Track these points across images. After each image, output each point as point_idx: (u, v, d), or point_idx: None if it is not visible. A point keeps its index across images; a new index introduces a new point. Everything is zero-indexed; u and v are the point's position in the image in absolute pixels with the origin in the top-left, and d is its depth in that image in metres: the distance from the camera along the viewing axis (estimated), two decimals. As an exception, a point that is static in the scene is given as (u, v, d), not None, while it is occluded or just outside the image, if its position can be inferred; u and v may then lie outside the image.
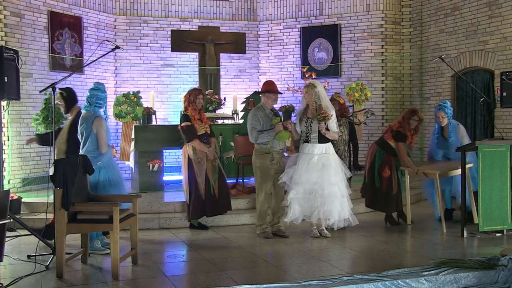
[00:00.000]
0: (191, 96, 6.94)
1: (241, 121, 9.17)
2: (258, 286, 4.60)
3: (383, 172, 7.06)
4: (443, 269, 5.02)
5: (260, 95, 6.65)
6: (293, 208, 6.39)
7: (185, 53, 10.58)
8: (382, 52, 10.47)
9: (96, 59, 6.68)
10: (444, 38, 9.53)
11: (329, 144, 6.46)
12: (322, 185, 6.28)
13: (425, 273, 4.95)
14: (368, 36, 10.56)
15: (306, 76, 10.14)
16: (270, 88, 6.48)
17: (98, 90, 5.96)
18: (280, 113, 7.19)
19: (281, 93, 6.70)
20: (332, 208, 6.32)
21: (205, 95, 7.16)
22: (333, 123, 6.38)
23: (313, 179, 6.28)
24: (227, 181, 7.46)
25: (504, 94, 7.64)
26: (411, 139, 7.19)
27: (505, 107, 7.71)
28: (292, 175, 6.35)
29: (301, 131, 6.42)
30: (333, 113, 6.41)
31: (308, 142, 6.38)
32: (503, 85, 7.63)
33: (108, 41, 7.58)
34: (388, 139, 7.15)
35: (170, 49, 10.30)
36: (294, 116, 9.71)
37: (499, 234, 6.57)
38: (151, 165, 8.45)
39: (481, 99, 7.94)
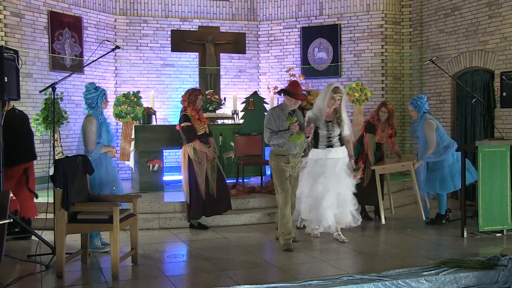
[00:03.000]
0: (192, 96, 6.95)
1: (241, 121, 9.18)
2: (258, 286, 4.60)
3: (357, 165, 7.09)
4: (443, 269, 5.02)
5: (282, 94, 6.22)
6: (326, 216, 6.21)
7: (185, 53, 10.58)
8: (382, 52, 10.47)
9: (96, 59, 6.68)
10: (444, 38, 9.53)
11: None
12: (344, 189, 6.24)
13: (425, 273, 4.95)
14: (368, 36, 10.56)
15: (290, 77, 10.08)
16: (292, 90, 6.02)
17: (86, 92, 5.99)
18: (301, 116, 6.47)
19: (303, 99, 6.37)
20: (348, 209, 6.33)
21: (204, 95, 7.16)
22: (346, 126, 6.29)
23: (341, 184, 6.19)
24: (227, 181, 7.47)
25: (504, 94, 7.63)
26: (388, 133, 7.44)
27: (505, 107, 7.71)
28: (323, 183, 6.16)
29: (321, 136, 6.19)
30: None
31: (332, 147, 6.19)
32: (503, 85, 7.62)
33: (108, 41, 7.59)
34: (362, 132, 7.50)
35: (170, 49, 10.30)
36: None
37: (499, 234, 6.57)
38: (151, 165, 8.45)
39: (473, 100, 7.93)
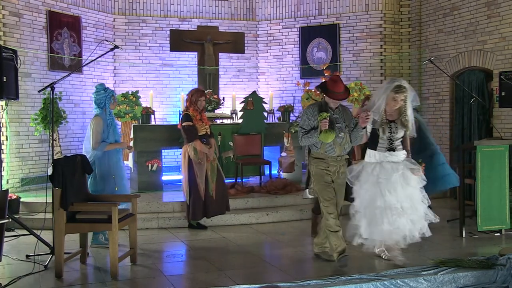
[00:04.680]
0: (193, 97, 6.96)
1: (240, 120, 9.18)
2: (257, 285, 4.60)
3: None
4: (442, 269, 5.02)
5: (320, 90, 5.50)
6: (382, 231, 5.25)
7: (184, 52, 10.57)
8: (381, 52, 10.47)
9: (95, 59, 6.68)
10: (443, 38, 9.53)
11: None
12: (412, 190, 5.34)
13: (424, 272, 4.96)
14: (367, 36, 10.56)
15: (305, 87, 9.90)
16: (330, 87, 5.18)
17: (95, 93, 6.11)
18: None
19: (341, 99, 5.26)
20: (420, 213, 5.38)
21: (206, 96, 7.15)
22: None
23: (408, 186, 5.30)
24: (226, 181, 7.47)
25: (503, 94, 7.65)
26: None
27: (503, 107, 7.72)
28: (387, 190, 5.21)
29: (381, 137, 5.27)
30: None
31: (394, 150, 5.28)
32: (502, 85, 7.64)
33: (107, 40, 7.58)
34: None
35: (169, 48, 10.30)
36: (295, 117, 9.70)
37: (498, 234, 6.58)
38: (150, 165, 8.44)
39: (472, 99, 7.94)
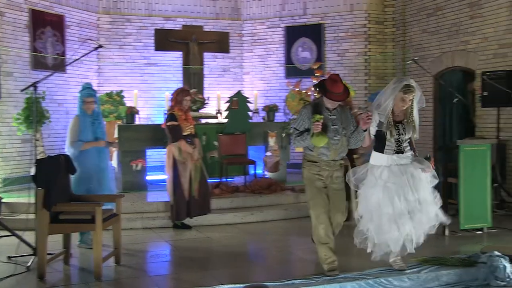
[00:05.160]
0: (178, 97, 6.94)
1: (225, 120, 9.17)
2: (242, 285, 4.60)
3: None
4: (425, 267, 5.06)
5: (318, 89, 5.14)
6: (390, 238, 4.88)
7: (168, 52, 10.53)
8: (366, 52, 10.52)
9: (79, 58, 6.62)
10: (427, 38, 9.61)
11: None
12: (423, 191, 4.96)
13: (408, 271, 4.99)
14: (352, 35, 10.61)
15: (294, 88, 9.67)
16: (328, 87, 4.84)
17: (79, 92, 6.09)
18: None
19: (340, 100, 4.92)
20: (431, 214, 5.00)
21: (192, 96, 7.13)
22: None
23: (420, 187, 4.94)
24: (211, 180, 7.47)
25: (485, 94, 7.74)
26: None
27: (486, 107, 7.80)
28: (381, 198, 4.87)
29: (388, 139, 4.87)
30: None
31: (402, 153, 4.90)
32: (484, 85, 7.73)
33: (91, 40, 7.54)
34: None
35: (153, 48, 10.25)
36: (287, 118, 9.65)
37: (480, 232, 6.64)
38: (134, 165, 8.40)
39: (455, 99, 8.00)
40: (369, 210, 4.94)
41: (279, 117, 10.15)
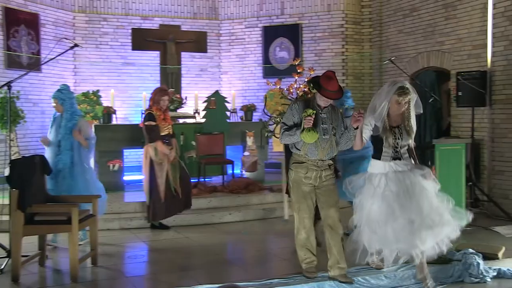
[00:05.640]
0: (156, 96, 6.90)
1: (203, 120, 9.15)
2: (220, 285, 4.59)
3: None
4: (402, 265, 5.10)
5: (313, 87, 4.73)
6: (396, 249, 4.64)
7: (146, 51, 10.46)
8: (343, 52, 10.59)
9: (54, 57, 6.53)
10: (403, 38, 9.71)
11: None
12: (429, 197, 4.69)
13: (384, 269, 5.03)
14: (329, 35, 10.67)
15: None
16: (323, 84, 4.61)
17: None
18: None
19: (335, 98, 4.72)
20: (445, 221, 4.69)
21: (170, 95, 7.09)
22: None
23: (421, 205, 4.62)
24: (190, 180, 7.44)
25: (460, 93, 7.85)
26: None
27: (460, 107, 7.91)
28: (382, 209, 4.59)
29: (385, 145, 4.64)
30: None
31: (400, 159, 4.66)
32: (459, 85, 7.84)
33: (67, 39, 7.45)
34: None
35: (130, 47, 10.18)
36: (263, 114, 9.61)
37: (455, 230, 6.72)
38: (111, 165, 8.33)
39: (431, 99, 8.11)
40: (370, 221, 4.62)
41: (257, 116, 10.16)
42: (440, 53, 8.81)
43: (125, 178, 8.65)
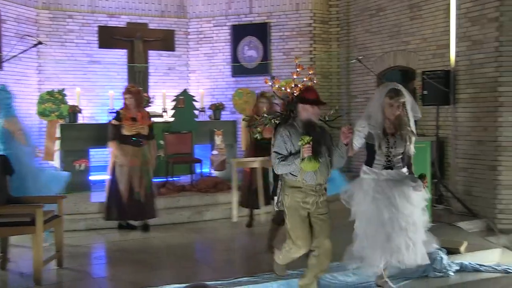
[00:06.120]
0: (123, 96, 6.84)
1: (171, 119, 9.09)
2: (188, 284, 4.56)
3: (245, 167, 6.93)
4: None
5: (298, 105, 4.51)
6: (382, 254, 4.54)
7: (113, 49, 10.32)
8: (311, 51, 10.65)
9: (16, 55, 6.41)
10: (370, 37, 9.82)
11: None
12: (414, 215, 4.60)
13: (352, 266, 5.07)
14: (297, 34, 10.71)
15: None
16: (306, 96, 4.47)
17: None
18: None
19: (323, 104, 4.52)
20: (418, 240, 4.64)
21: (136, 93, 6.86)
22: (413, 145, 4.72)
23: (405, 213, 4.55)
24: (156, 180, 7.35)
25: (425, 92, 7.98)
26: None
27: (426, 105, 8.04)
28: (369, 214, 4.54)
29: (378, 153, 4.52)
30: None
31: (392, 169, 4.55)
32: (425, 84, 7.97)
33: (30, 36, 7.29)
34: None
35: (97, 45, 10.03)
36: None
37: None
38: (77, 165, 8.20)
39: None
40: (362, 228, 4.60)
41: (225, 115, 10.14)
42: (406, 53, 8.94)
43: (92, 178, 8.52)
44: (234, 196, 7.13)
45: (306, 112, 4.42)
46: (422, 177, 4.67)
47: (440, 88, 7.70)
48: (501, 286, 5.42)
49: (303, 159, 4.25)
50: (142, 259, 5.61)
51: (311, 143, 4.25)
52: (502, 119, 7.11)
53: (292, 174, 4.41)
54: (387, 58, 9.38)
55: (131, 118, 6.76)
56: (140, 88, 7.14)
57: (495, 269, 5.66)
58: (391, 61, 9.31)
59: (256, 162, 6.77)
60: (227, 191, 8.19)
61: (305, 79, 4.99)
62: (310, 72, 5.18)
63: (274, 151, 4.42)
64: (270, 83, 5.92)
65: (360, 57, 8.29)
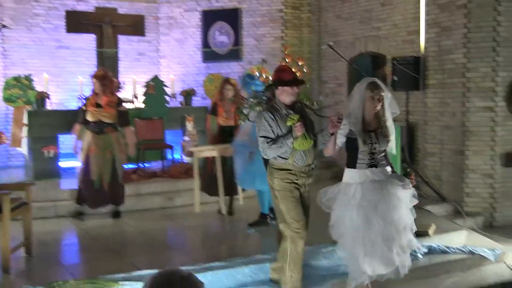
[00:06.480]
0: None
1: (142, 105, 9.00)
2: (160, 270, 4.55)
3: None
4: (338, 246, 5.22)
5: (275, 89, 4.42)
6: (369, 265, 4.24)
7: (81, 34, 10.12)
8: (282, 37, 10.63)
9: (-20, 39, 6.22)
10: (341, 23, 9.84)
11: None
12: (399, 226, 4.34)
13: (323, 250, 5.13)
14: (269, 20, 10.67)
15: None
16: (282, 77, 4.35)
17: None
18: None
19: (301, 84, 4.45)
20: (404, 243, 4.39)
21: (101, 78, 6.72)
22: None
23: (394, 218, 4.32)
24: (127, 166, 7.28)
25: (395, 78, 8.06)
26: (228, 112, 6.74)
27: (396, 91, 8.13)
28: (357, 221, 4.24)
29: (360, 151, 4.28)
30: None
31: (376, 167, 4.32)
32: (395, 69, 8.05)
33: (-7, 19, 7.08)
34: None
35: (65, 30, 9.82)
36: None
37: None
38: (46, 151, 8.06)
39: None
40: (352, 232, 4.30)
41: (196, 101, 10.08)
42: (377, 39, 9.00)
43: (61, 164, 8.39)
44: (196, 186, 7.04)
45: (285, 93, 4.32)
46: (407, 174, 4.43)
47: (410, 74, 7.78)
48: (466, 267, 5.57)
49: (295, 138, 4.16)
50: (114, 245, 5.57)
51: (300, 120, 4.18)
52: (469, 105, 7.23)
53: (281, 157, 4.28)
54: (358, 44, 9.43)
55: (96, 104, 6.61)
56: (108, 72, 6.93)
57: (462, 250, 5.80)
58: (362, 47, 9.36)
59: (214, 151, 6.72)
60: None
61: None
62: (300, 63, 5.02)
63: (262, 136, 4.26)
64: (258, 74, 5.72)
65: (331, 43, 8.27)
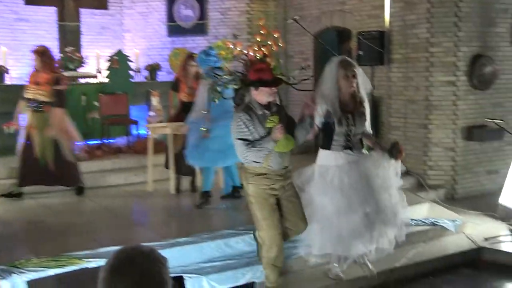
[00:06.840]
0: None
1: (106, 80, 8.84)
2: (122, 247, 4.52)
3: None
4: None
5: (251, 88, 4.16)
6: (351, 245, 4.30)
7: (41, 7, 9.81)
8: (248, 10, 10.52)
9: None
10: (307, -2, 9.80)
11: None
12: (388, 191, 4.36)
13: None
14: (234, -6, 10.54)
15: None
16: (262, 77, 4.09)
17: None
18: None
19: (280, 84, 4.22)
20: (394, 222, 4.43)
21: (41, 53, 6.44)
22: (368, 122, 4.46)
23: (383, 188, 4.34)
24: (91, 142, 7.16)
25: (361, 53, 8.10)
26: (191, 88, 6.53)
27: (362, 65, 8.16)
28: (340, 203, 4.24)
29: (336, 133, 4.25)
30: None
31: (351, 149, 4.30)
32: (360, 44, 8.08)
33: None
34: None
35: (23, 2, 9.51)
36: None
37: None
38: (6, 128, 7.84)
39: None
40: (320, 218, 4.32)
41: (161, 76, 9.95)
42: (342, 13, 8.99)
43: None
44: (149, 165, 6.88)
45: (263, 93, 4.07)
46: (394, 149, 4.32)
47: (375, 48, 7.82)
48: (429, 238, 5.71)
49: (277, 141, 3.97)
50: (77, 222, 5.51)
51: (280, 122, 3.99)
52: (432, 79, 7.33)
53: (256, 161, 4.08)
54: (324, 18, 9.41)
55: (35, 81, 6.37)
56: (49, 49, 6.64)
57: (424, 222, 5.95)
58: (328, 21, 9.35)
59: (168, 129, 6.61)
60: (164, 153, 8.10)
61: (269, 43, 4.50)
62: (275, 35, 4.77)
63: (239, 139, 4.05)
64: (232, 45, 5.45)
65: (297, 17, 8.25)
